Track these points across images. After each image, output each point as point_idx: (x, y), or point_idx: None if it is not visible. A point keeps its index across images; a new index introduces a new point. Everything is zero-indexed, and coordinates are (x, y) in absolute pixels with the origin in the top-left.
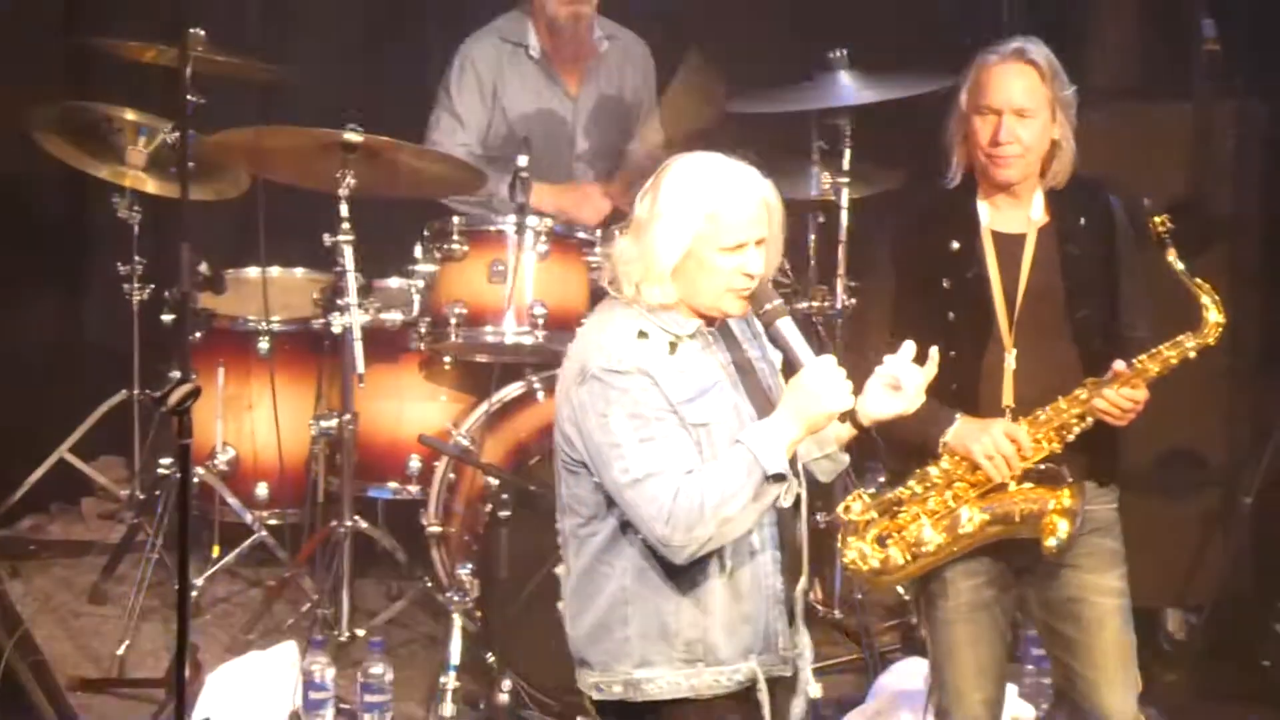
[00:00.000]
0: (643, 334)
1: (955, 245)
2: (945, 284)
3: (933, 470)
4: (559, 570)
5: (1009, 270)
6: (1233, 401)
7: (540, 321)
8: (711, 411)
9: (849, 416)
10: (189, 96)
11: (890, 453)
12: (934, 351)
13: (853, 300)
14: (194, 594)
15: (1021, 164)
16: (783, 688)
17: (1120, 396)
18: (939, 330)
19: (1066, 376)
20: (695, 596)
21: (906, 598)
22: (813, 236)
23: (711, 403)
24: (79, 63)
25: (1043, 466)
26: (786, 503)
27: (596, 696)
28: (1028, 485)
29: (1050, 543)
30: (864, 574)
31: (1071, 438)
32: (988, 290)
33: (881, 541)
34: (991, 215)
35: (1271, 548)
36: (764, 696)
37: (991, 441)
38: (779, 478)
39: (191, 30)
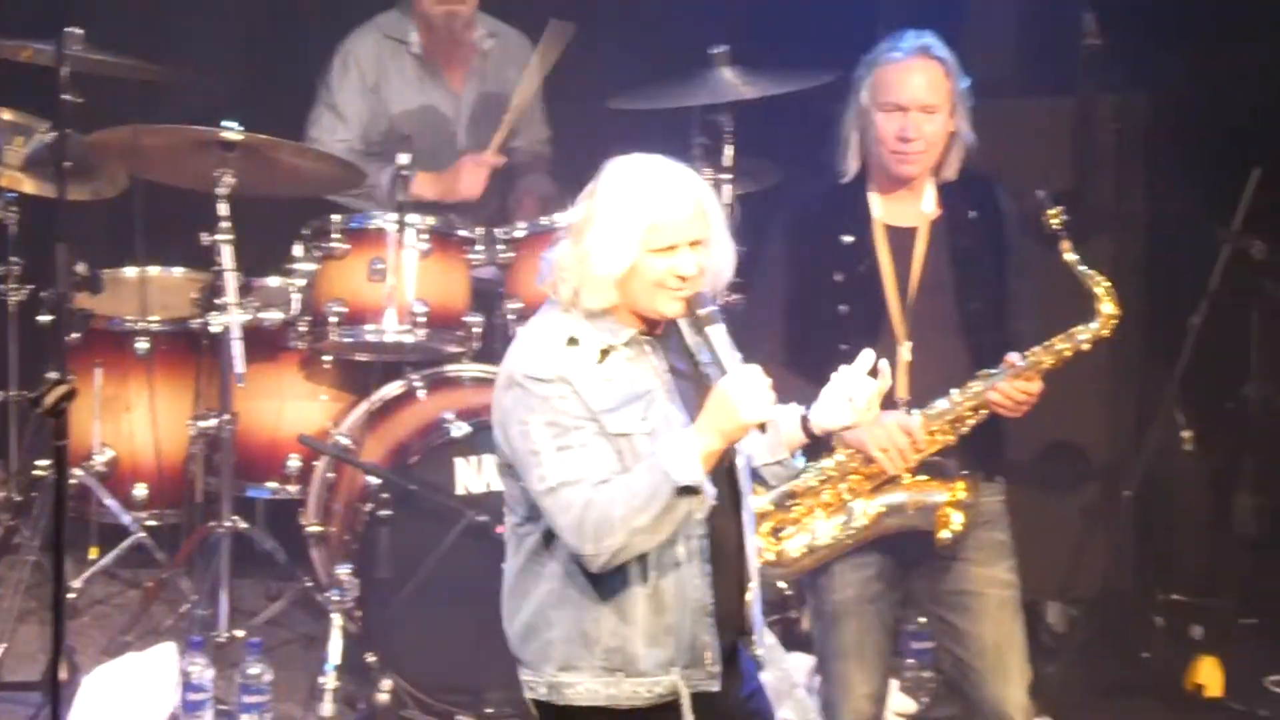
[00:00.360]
0: (573, 340)
1: (847, 239)
2: (837, 278)
3: (827, 463)
4: (504, 565)
5: (901, 263)
6: (1115, 395)
7: (421, 320)
8: (635, 421)
9: (765, 428)
10: (66, 96)
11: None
12: (885, 364)
13: (736, 296)
14: (71, 596)
15: (924, 159)
16: (709, 703)
17: (1014, 389)
18: (831, 324)
19: (959, 369)
20: (616, 605)
21: (788, 592)
22: None
23: (636, 412)
24: None
25: (936, 459)
26: (700, 514)
27: (527, 694)
28: (922, 478)
29: (944, 535)
30: (760, 566)
31: (965, 430)
32: (880, 283)
33: (776, 534)
34: (883, 208)
35: (1152, 541)
36: (686, 712)
37: (885, 434)
38: (690, 490)
39: (68, 29)
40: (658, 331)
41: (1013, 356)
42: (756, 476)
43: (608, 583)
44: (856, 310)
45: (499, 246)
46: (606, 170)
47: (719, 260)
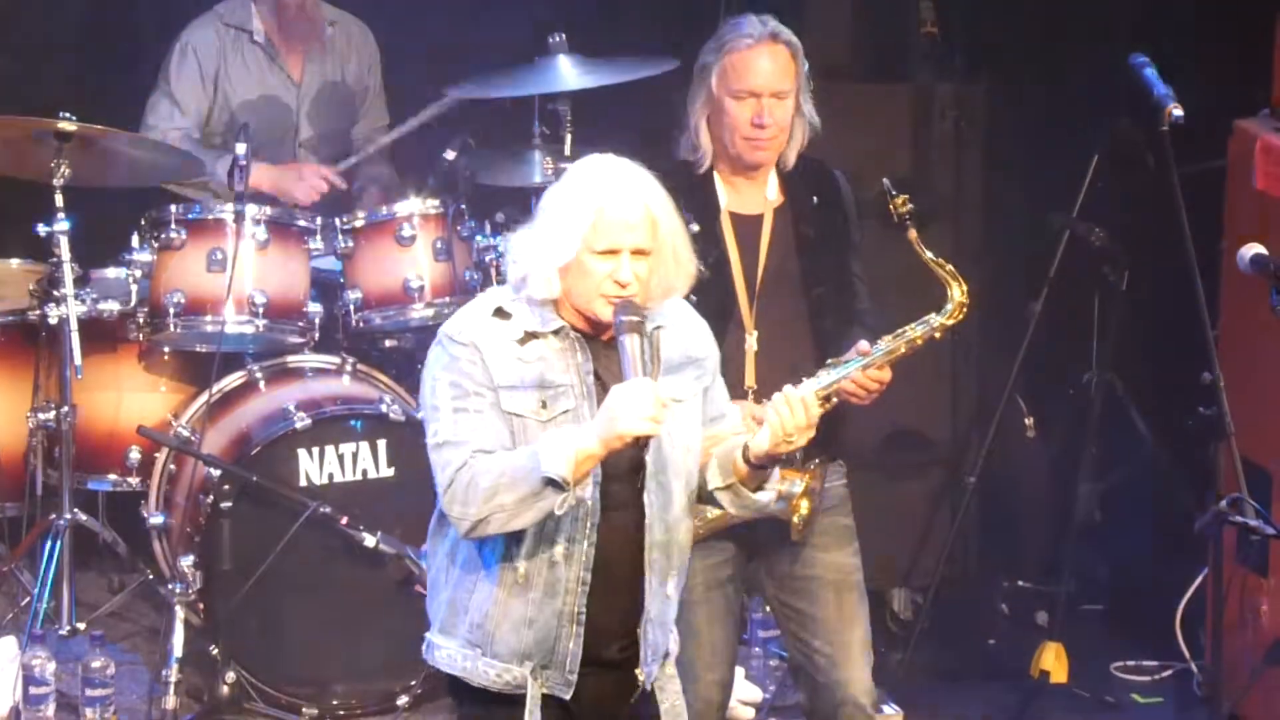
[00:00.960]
0: (501, 312)
1: (695, 228)
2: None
3: None
4: None
5: (748, 252)
6: (956, 381)
7: (260, 310)
8: (532, 405)
9: (647, 445)
10: None
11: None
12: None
13: None
14: None
15: (777, 144)
16: (559, 709)
17: (866, 377)
18: None
19: (806, 356)
20: (488, 584)
21: None
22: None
23: (535, 398)
24: None
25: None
26: (559, 510)
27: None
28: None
29: (795, 521)
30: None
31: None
32: (728, 272)
33: None
34: (729, 197)
35: (995, 528)
36: (532, 707)
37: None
38: (555, 484)
39: None
40: (604, 336)
41: (863, 344)
42: (711, 500)
43: (486, 559)
44: (705, 301)
45: (339, 236)
46: (578, 163)
47: (668, 274)
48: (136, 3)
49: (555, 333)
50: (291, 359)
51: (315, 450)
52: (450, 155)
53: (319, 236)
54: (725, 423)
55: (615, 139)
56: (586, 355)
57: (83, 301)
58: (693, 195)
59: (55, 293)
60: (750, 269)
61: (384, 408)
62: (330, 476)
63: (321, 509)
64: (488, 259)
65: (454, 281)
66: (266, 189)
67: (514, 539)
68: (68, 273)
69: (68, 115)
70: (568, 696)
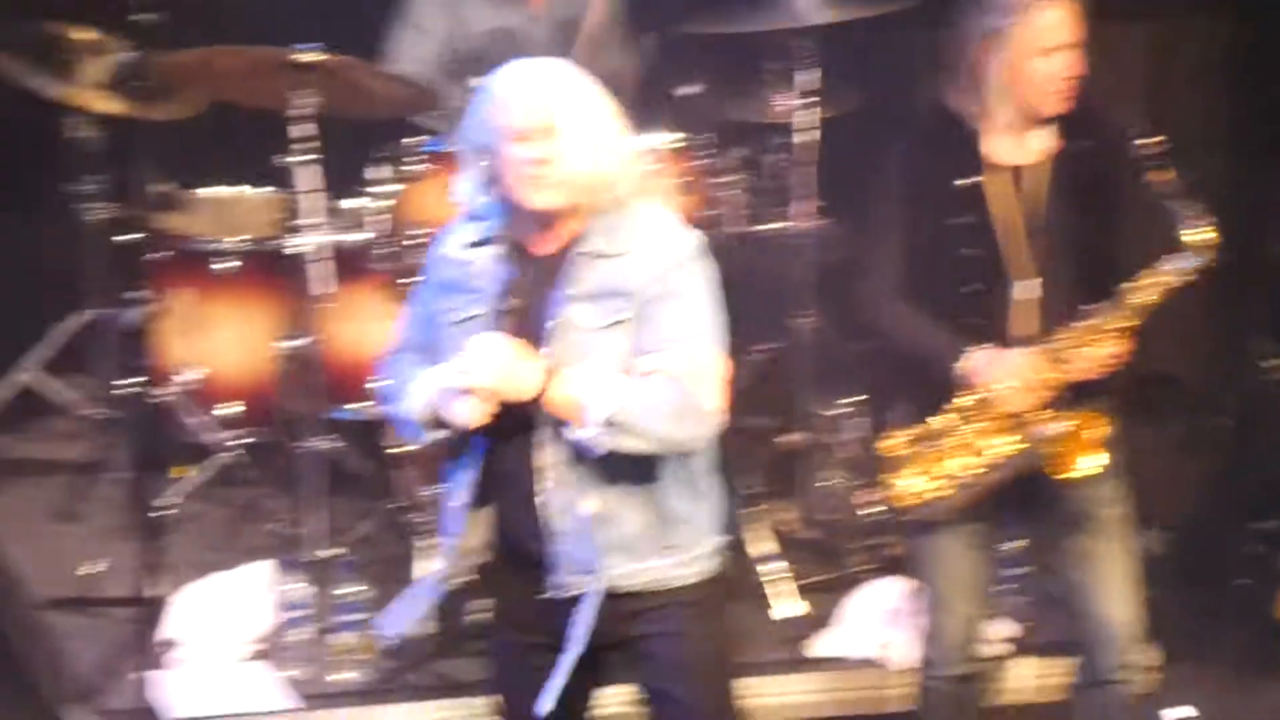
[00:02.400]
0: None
1: (964, 179)
2: (955, 219)
3: (961, 402)
4: None
5: (1016, 201)
6: (1207, 320)
7: None
8: (443, 307)
9: None
10: (142, 13)
11: (917, 389)
12: None
13: (824, 222)
14: (162, 514)
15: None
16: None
17: (1099, 354)
18: (949, 263)
19: (1074, 305)
20: None
21: (885, 518)
22: (779, 157)
23: (447, 300)
24: None
25: (1067, 394)
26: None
27: None
28: (1057, 412)
29: (1088, 465)
30: (906, 506)
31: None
32: (999, 222)
33: (920, 474)
34: (1002, 146)
35: (1243, 470)
36: None
37: (1009, 370)
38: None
39: None
40: (551, 247)
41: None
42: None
43: None
44: (974, 250)
45: None
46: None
47: (583, 156)
48: None
49: (496, 239)
50: None
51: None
52: (689, 91)
53: None
54: (649, 361)
55: (852, 76)
56: (509, 271)
57: (328, 232)
58: (961, 145)
59: (299, 223)
60: (1019, 218)
61: None
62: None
63: None
64: (730, 194)
65: (696, 217)
66: None
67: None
68: (311, 203)
69: (311, 46)
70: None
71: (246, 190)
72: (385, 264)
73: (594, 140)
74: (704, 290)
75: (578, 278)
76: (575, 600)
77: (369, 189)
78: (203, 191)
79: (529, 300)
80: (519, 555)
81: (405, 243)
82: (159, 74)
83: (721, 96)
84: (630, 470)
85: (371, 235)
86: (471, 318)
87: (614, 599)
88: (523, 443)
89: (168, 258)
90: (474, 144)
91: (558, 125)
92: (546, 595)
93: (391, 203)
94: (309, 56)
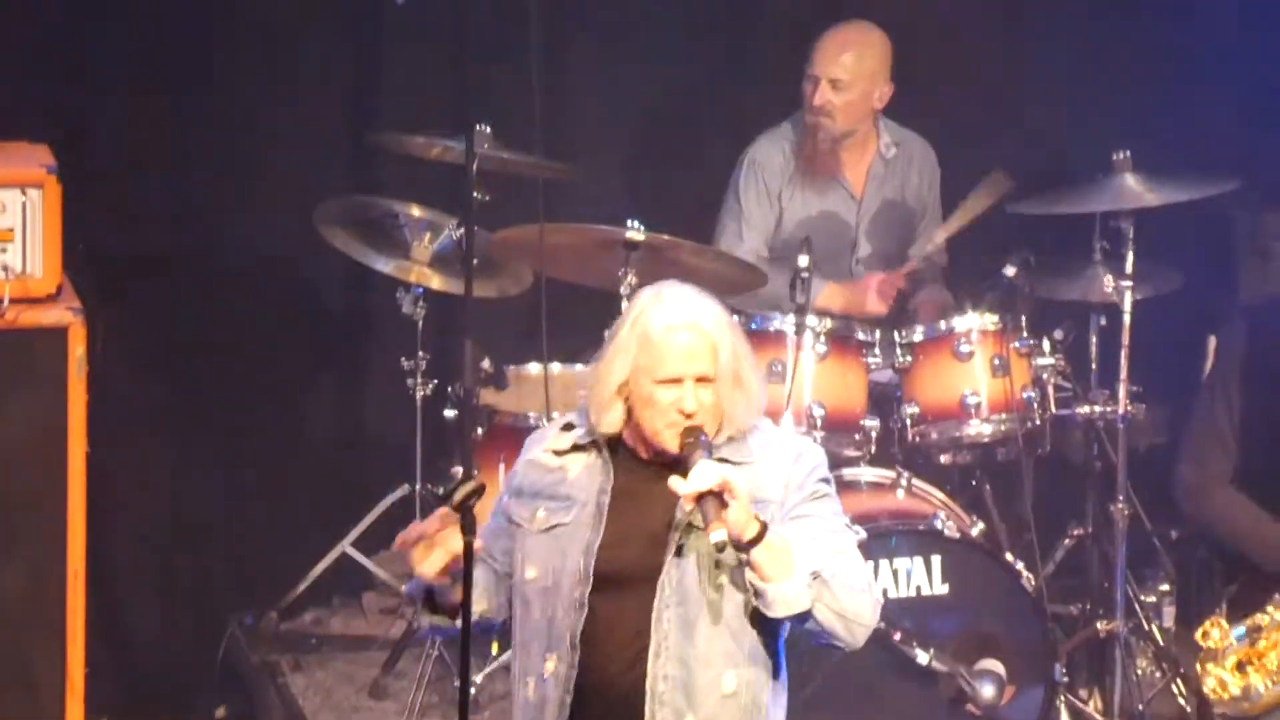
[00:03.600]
0: (570, 425)
1: None
2: None
3: None
4: None
5: None
6: None
7: (818, 422)
8: (527, 514)
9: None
10: (474, 193)
11: (1243, 580)
12: None
13: (1138, 405)
14: (473, 691)
15: None
16: None
17: None
18: None
19: None
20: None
21: (1187, 709)
22: (1094, 339)
23: (531, 507)
24: (366, 158)
25: None
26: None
27: None
28: None
29: None
30: (1225, 701)
31: None
32: None
33: (1241, 668)
34: None
35: None
36: None
37: None
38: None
39: (477, 127)
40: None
41: None
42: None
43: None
44: None
45: (897, 350)
46: (638, 295)
47: (735, 402)
48: (703, 115)
49: (593, 445)
50: (847, 471)
51: (869, 564)
52: (1010, 271)
53: (877, 349)
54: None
55: (1176, 257)
56: (609, 477)
57: None
58: None
59: None
60: None
61: (938, 524)
62: (884, 591)
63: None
64: (1045, 376)
65: (1011, 398)
66: (837, 310)
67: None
68: None
69: (636, 224)
70: None
71: (568, 366)
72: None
73: (737, 387)
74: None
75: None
76: None
77: None
78: (525, 368)
79: (641, 503)
80: None
81: None
82: (491, 250)
83: (1041, 276)
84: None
85: None
86: (560, 524)
87: None
88: (632, 655)
89: (489, 433)
90: (612, 371)
91: (711, 375)
92: None
93: None
94: (636, 234)
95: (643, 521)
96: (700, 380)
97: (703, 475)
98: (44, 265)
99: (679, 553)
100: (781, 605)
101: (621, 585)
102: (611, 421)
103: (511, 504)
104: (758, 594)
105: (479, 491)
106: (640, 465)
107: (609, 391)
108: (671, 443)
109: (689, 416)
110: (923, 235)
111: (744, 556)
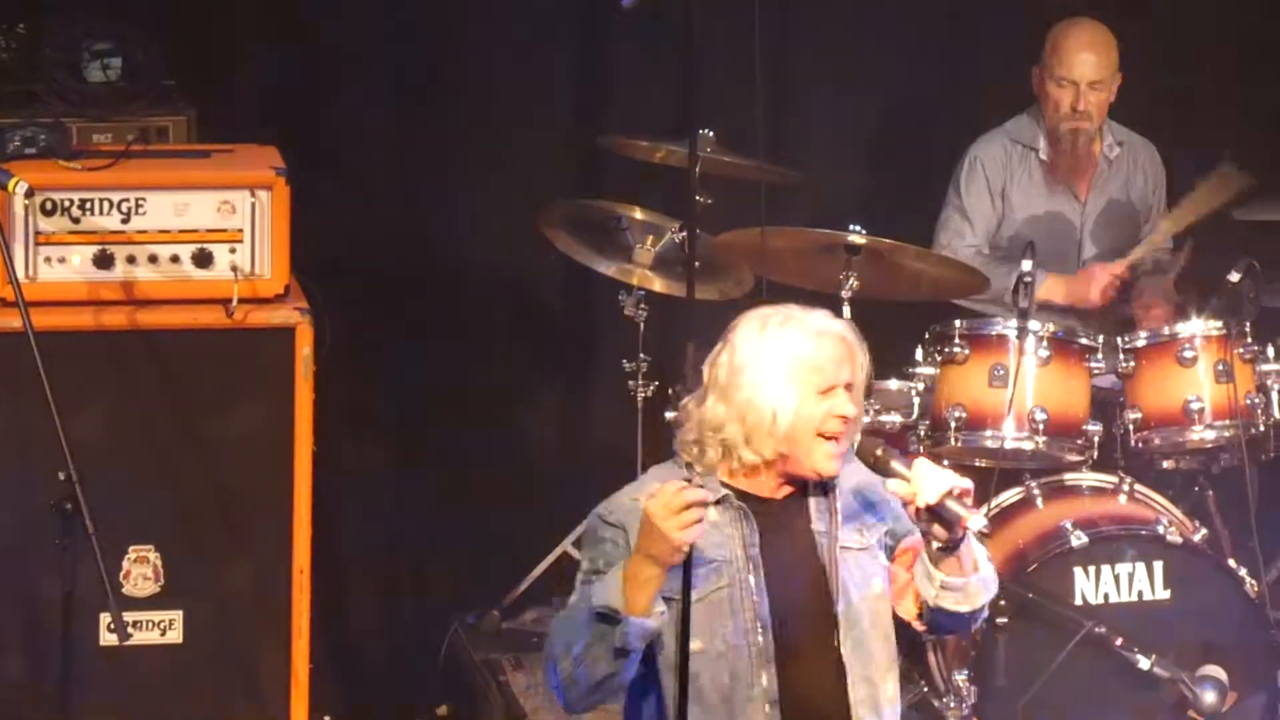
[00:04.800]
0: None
1: None
2: None
3: None
4: None
5: None
6: None
7: (1041, 427)
8: (678, 587)
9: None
10: (697, 197)
11: None
12: None
13: None
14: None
15: None
16: None
17: None
18: None
19: None
20: None
21: None
22: None
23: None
24: (589, 161)
25: None
26: (618, 642)
27: None
28: None
29: None
30: None
31: None
32: None
33: None
34: None
35: None
36: None
37: None
38: (604, 616)
39: (701, 131)
40: (778, 495)
41: None
42: (939, 621)
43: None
44: None
45: (1120, 355)
46: (745, 321)
47: (861, 410)
48: (924, 117)
49: (717, 503)
50: (1069, 476)
51: (1091, 569)
52: (1235, 276)
53: (1100, 354)
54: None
55: None
56: (752, 526)
57: (866, 412)
58: None
59: None
60: None
61: (1161, 529)
62: (1105, 596)
63: (1096, 629)
64: (1269, 382)
65: (1234, 404)
66: (1059, 300)
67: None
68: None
69: (858, 228)
70: None
71: None
72: (921, 445)
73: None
74: None
75: (837, 506)
76: None
77: (908, 370)
78: None
79: (785, 539)
80: None
81: (945, 424)
82: (712, 253)
83: (1266, 282)
84: None
85: (910, 416)
86: (716, 589)
87: None
88: (829, 671)
89: None
90: (765, 401)
91: (855, 382)
92: None
93: (929, 385)
94: (857, 238)
95: (797, 557)
96: (848, 387)
97: (935, 477)
98: (273, 266)
99: (839, 576)
100: (982, 593)
101: (800, 626)
102: (769, 449)
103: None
104: (950, 588)
105: (701, 501)
106: (764, 505)
107: (771, 423)
108: (823, 458)
109: (845, 422)
110: (1149, 237)
111: (938, 554)
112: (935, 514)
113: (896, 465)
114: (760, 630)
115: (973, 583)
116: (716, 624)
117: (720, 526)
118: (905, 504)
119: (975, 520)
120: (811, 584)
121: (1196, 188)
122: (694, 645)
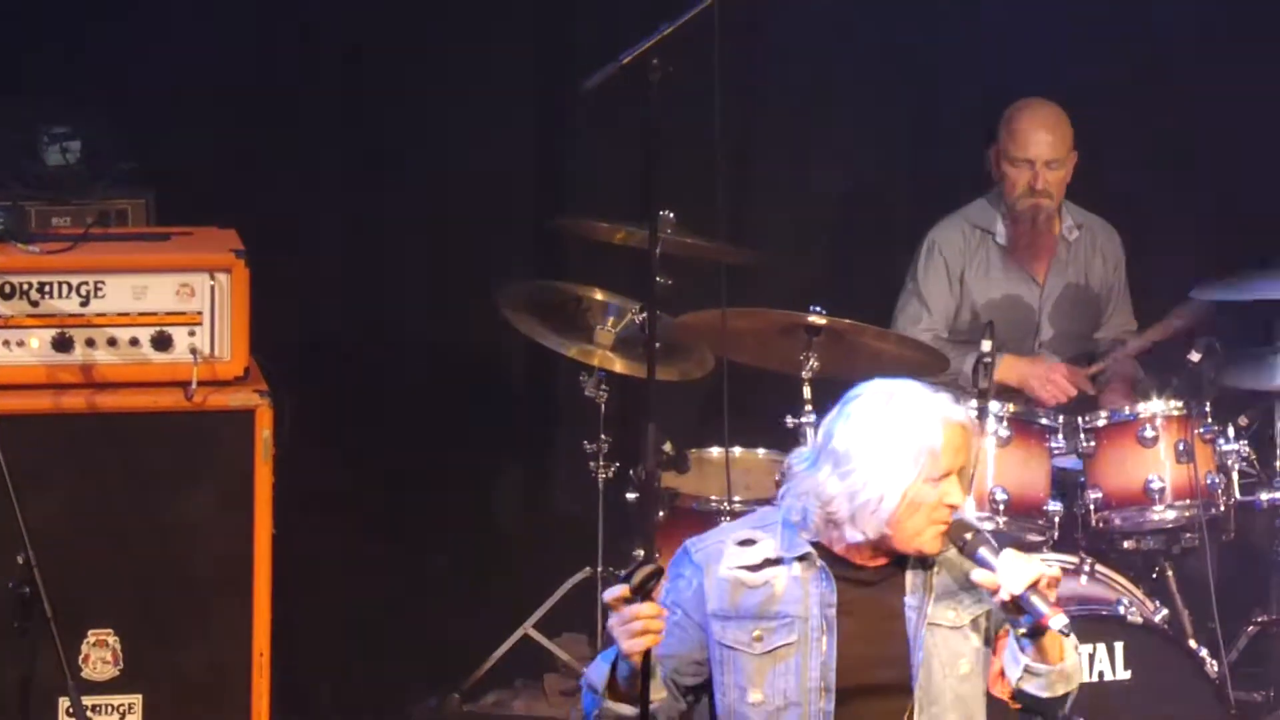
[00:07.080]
0: (748, 541)
1: None
2: None
3: None
4: None
5: None
6: None
7: (1001, 507)
8: (744, 638)
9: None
10: (657, 278)
11: None
12: None
13: None
14: None
15: None
16: None
17: None
18: None
19: None
20: None
21: None
22: (1278, 425)
23: (750, 629)
24: (550, 242)
25: None
26: (601, 715)
27: None
28: None
29: None
30: None
31: None
32: None
33: None
34: None
35: None
36: None
37: None
38: (592, 688)
39: (661, 213)
40: (872, 563)
41: None
42: (1031, 704)
43: None
44: None
45: (1081, 435)
46: (869, 393)
47: (969, 484)
48: (885, 201)
49: (800, 559)
50: None
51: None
52: (1195, 357)
53: (1061, 434)
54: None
55: None
56: (831, 587)
57: None
58: None
59: None
60: None
61: (1122, 610)
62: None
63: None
64: (1229, 462)
65: (1194, 484)
66: (1014, 381)
67: None
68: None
69: (818, 309)
70: None
71: (749, 450)
72: None
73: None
74: None
75: (934, 583)
76: None
77: None
78: (707, 451)
79: (870, 610)
80: None
81: None
82: (673, 334)
83: (1226, 363)
84: None
85: None
86: (785, 644)
87: None
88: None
89: (670, 516)
90: (892, 478)
91: (971, 465)
92: None
93: None
94: (818, 319)
95: (880, 627)
96: (960, 472)
97: (1021, 568)
98: (232, 348)
99: (922, 654)
100: (1065, 682)
101: (868, 696)
102: (875, 530)
103: (717, 627)
104: (1033, 672)
105: (658, 574)
106: (854, 570)
107: (877, 506)
108: (930, 539)
109: (954, 509)
110: (1110, 320)
111: (1023, 639)
112: (1019, 606)
113: (984, 553)
114: (824, 694)
115: (1055, 672)
116: (779, 678)
117: (802, 583)
118: (990, 593)
119: (1056, 620)
120: (890, 657)
121: (1167, 315)
122: (754, 696)
